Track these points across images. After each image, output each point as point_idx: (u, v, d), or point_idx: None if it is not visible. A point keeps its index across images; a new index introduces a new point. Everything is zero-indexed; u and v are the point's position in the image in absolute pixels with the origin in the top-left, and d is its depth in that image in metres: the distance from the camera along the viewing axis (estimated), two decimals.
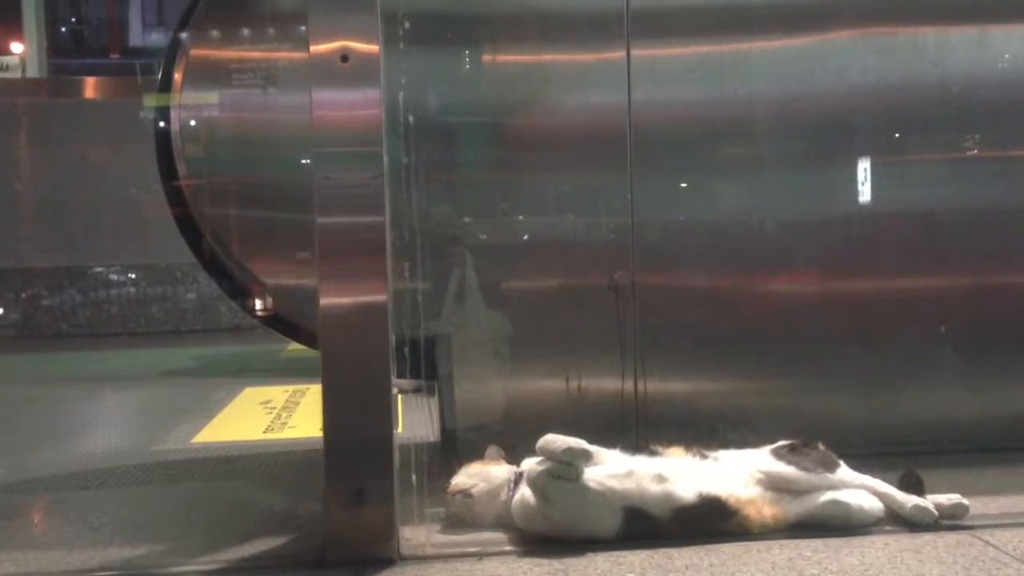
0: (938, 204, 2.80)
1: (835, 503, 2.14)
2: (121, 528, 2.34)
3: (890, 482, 2.21)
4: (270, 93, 2.96)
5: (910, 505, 2.14)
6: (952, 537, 2.06)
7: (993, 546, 2.01)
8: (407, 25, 2.33)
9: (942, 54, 2.77)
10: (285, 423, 3.64)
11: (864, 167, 2.77)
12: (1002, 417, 2.74)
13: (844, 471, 2.20)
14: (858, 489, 2.18)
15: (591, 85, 2.75)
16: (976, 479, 2.30)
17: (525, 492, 2.12)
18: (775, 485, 2.16)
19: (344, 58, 1.99)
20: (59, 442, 3.50)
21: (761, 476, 2.17)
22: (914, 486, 2.21)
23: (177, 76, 3.01)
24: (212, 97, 3.03)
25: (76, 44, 16.68)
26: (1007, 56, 2.81)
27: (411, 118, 2.35)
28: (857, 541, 2.05)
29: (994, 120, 2.81)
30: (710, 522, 2.09)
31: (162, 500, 2.68)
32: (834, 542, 2.05)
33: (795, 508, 2.14)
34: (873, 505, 2.16)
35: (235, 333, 6.86)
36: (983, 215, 2.81)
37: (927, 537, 2.06)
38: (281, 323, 3.10)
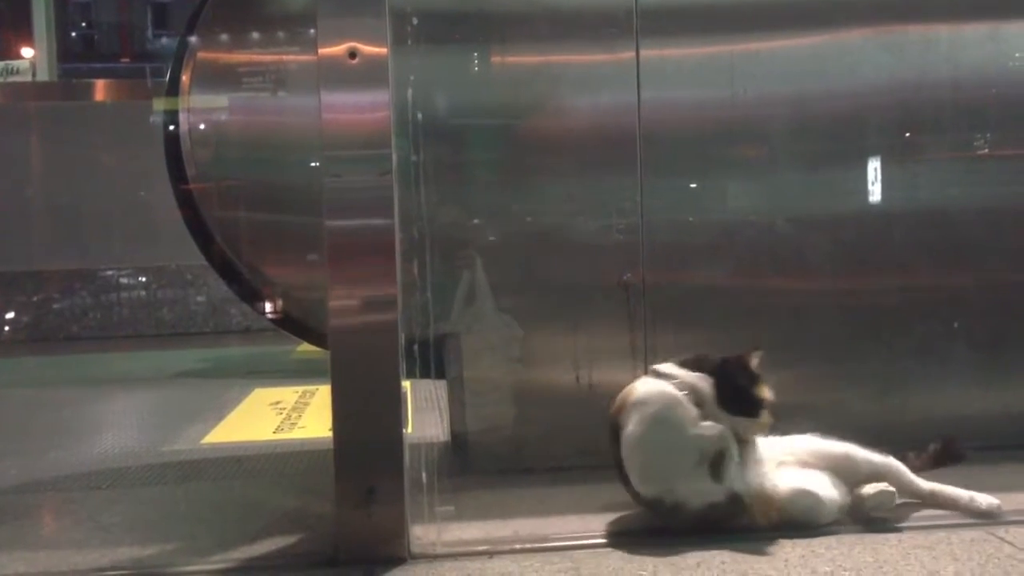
0: (952, 202, 2.78)
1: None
2: (131, 528, 2.35)
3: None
4: (279, 96, 2.96)
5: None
6: (966, 534, 2.05)
7: (1008, 543, 1.99)
8: (415, 21, 2.34)
9: (955, 51, 2.75)
10: (295, 423, 3.64)
11: (876, 166, 2.76)
12: (1016, 414, 2.73)
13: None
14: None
15: (600, 84, 2.74)
16: (991, 476, 2.28)
17: None
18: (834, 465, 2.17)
19: (352, 54, 1.99)
20: (70, 443, 3.51)
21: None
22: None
23: (185, 79, 3.00)
24: (221, 100, 3.02)
25: (86, 48, 16.75)
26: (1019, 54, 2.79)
27: (420, 115, 2.36)
28: (870, 538, 2.04)
29: (1009, 117, 2.79)
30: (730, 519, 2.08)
31: (172, 500, 2.68)
32: (848, 539, 2.04)
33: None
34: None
35: (245, 335, 6.87)
36: (997, 213, 2.79)
37: (941, 534, 2.05)
38: (292, 324, 3.10)
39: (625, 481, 2.14)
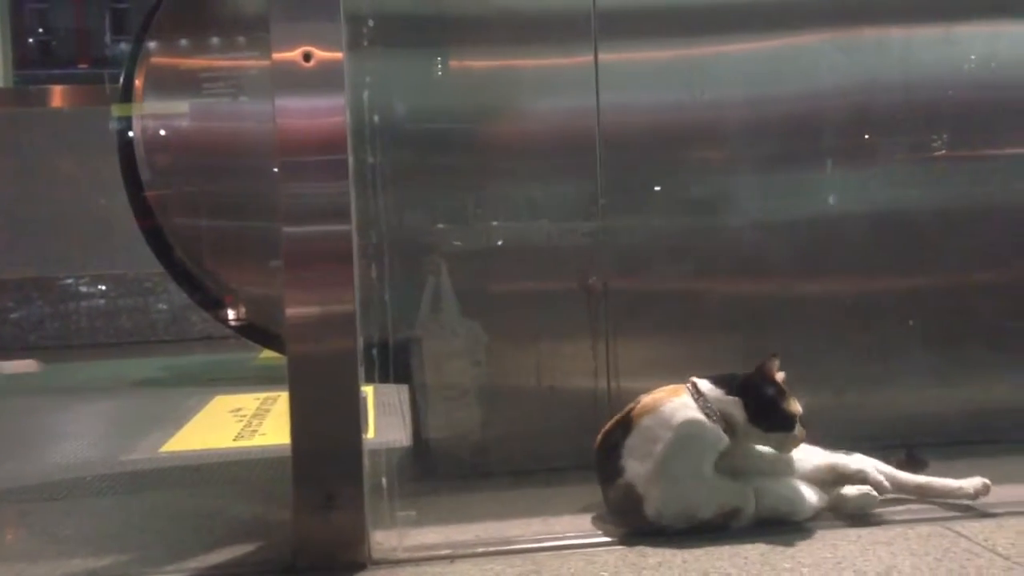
0: (907, 204, 2.80)
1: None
2: (86, 539, 2.31)
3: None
4: (234, 100, 2.93)
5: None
6: (924, 529, 2.07)
7: (965, 537, 2.01)
8: (370, 24, 2.33)
9: (908, 53, 2.79)
10: (255, 430, 3.61)
11: (833, 168, 2.78)
12: (970, 410, 2.76)
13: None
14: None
15: (559, 88, 2.73)
16: (946, 471, 2.30)
17: None
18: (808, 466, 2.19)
19: (307, 58, 1.97)
20: (26, 453, 3.45)
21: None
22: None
23: (138, 83, 2.97)
24: (174, 105, 2.99)
25: (43, 54, 16.54)
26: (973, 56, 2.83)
27: (376, 119, 2.34)
28: (830, 535, 2.06)
29: (961, 120, 2.82)
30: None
31: (128, 510, 2.64)
32: (807, 535, 2.05)
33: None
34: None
35: (207, 342, 6.80)
36: (951, 214, 2.82)
37: (899, 529, 2.07)
38: (255, 332, 3.07)
39: (607, 476, 2.13)
